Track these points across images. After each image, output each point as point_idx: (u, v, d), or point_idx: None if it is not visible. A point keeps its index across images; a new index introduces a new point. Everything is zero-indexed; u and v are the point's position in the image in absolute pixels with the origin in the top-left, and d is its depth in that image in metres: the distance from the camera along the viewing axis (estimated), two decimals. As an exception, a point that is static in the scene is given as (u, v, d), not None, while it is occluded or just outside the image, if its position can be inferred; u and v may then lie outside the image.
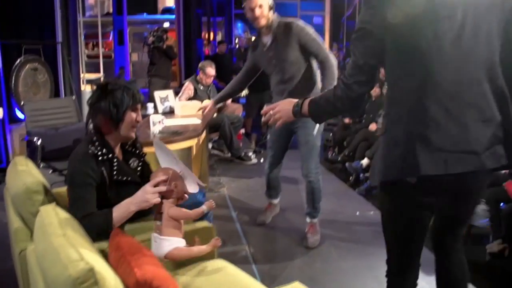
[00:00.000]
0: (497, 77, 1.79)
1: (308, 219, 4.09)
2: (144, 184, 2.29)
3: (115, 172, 2.44)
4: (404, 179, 1.79)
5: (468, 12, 1.72)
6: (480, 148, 1.73)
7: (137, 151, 2.68)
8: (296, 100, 2.12)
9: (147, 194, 2.21)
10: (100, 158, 2.39)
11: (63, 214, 2.12)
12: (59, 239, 1.76)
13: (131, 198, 2.28)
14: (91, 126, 2.47)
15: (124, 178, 2.47)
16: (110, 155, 2.44)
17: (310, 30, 3.72)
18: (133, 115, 2.46)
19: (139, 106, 2.50)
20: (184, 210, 2.21)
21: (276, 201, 4.55)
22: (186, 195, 2.28)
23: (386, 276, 2.14)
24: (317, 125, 3.75)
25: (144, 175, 2.60)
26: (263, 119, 2.28)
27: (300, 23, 3.72)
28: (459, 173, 1.73)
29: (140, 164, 2.66)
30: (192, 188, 2.35)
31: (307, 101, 2.07)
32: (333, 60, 3.68)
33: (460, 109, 1.72)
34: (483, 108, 1.75)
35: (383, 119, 1.92)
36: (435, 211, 1.99)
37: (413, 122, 1.73)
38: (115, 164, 2.45)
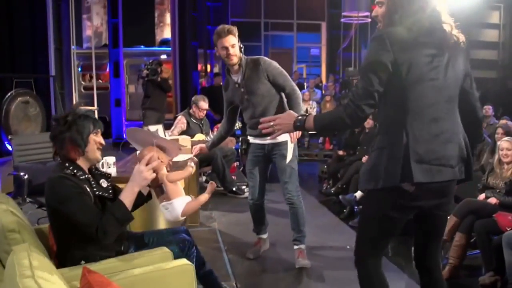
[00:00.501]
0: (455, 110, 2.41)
1: (296, 246, 4.15)
2: None
3: (95, 188, 2.60)
4: (401, 185, 2.26)
5: (451, 57, 2.32)
6: (454, 163, 2.30)
7: (103, 173, 2.82)
8: (296, 115, 2.48)
9: (143, 173, 2.51)
10: (80, 177, 2.54)
11: (36, 254, 2.10)
12: (26, 280, 1.73)
13: (130, 182, 2.53)
14: (59, 152, 2.62)
15: (105, 194, 2.64)
16: (86, 176, 2.60)
17: (277, 64, 4.02)
18: (96, 139, 2.64)
19: (99, 131, 2.68)
20: (177, 172, 2.64)
21: (265, 236, 4.51)
22: (170, 162, 2.67)
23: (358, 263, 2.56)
24: (291, 150, 4.02)
25: (116, 193, 2.72)
26: (260, 126, 2.53)
27: (266, 58, 4.03)
28: (441, 181, 2.28)
29: (109, 184, 2.78)
30: (174, 153, 2.70)
31: (311, 117, 2.41)
32: (298, 92, 4.01)
33: (442, 133, 2.28)
34: (455, 132, 2.35)
35: (379, 131, 2.44)
36: (418, 228, 2.58)
37: (411, 142, 2.23)
38: (93, 182, 2.63)
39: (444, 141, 2.28)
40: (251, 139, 4.24)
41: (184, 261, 2.60)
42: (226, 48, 3.86)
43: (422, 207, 2.39)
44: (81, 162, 2.62)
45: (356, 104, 2.27)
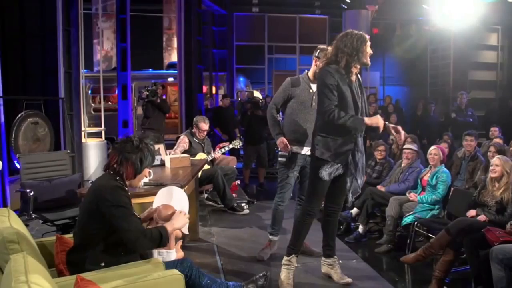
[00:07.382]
0: None
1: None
2: None
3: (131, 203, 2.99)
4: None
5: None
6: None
7: None
8: None
9: (184, 220, 3.13)
10: (127, 191, 2.95)
11: (32, 261, 2.25)
12: (20, 285, 1.89)
13: (171, 223, 3.05)
14: (115, 165, 2.98)
15: (137, 215, 3.01)
16: (128, 193, 2.98)
17: None
18: (147, 171, 3.13)
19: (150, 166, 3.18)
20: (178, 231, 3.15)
21: (276, 238, 4.89)
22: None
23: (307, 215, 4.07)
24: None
25: None
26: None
27: None
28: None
29: None
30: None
31: None
32: None
33: None
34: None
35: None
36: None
37: None
38: (130, 196, 3.00)
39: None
40: (296, 149, 4.52)
41: (174, 271, 2.74)
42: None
43: None
44: (127, 181, 3.02)
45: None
